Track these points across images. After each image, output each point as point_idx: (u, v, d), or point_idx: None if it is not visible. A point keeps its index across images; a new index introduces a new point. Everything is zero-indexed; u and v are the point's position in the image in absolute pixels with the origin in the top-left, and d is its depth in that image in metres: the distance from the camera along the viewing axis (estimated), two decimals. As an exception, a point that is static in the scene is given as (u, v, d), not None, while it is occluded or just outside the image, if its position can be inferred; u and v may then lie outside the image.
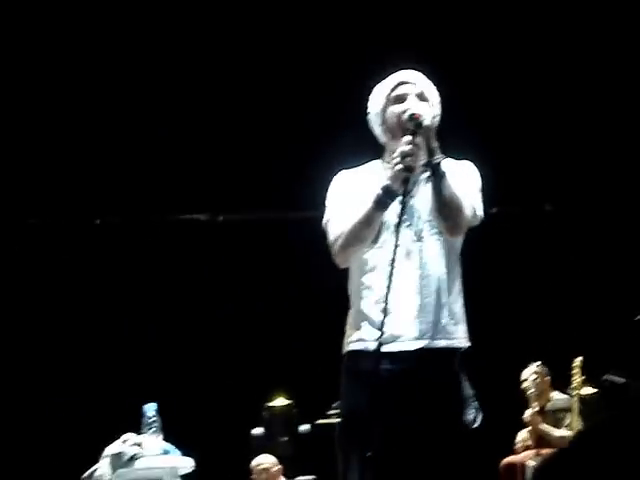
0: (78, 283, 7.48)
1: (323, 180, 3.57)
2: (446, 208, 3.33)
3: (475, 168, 3.51)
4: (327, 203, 3.51)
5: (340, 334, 3.57)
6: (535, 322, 7.45)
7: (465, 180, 3.43)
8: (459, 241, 3.49)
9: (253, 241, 7.62)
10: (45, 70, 6.91)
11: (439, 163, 3.33)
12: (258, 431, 7.28)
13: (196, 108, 7.17)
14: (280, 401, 7.44)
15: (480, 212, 3.46)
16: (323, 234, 3.47)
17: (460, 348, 3.38)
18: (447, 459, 3.32)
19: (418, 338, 3.33)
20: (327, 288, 4.45)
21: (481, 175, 3.51)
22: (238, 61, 7.04)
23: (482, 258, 6.74)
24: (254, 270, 7.61)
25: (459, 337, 3.40)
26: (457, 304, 3.43)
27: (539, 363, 6.62)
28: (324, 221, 3.48)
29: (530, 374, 6.60)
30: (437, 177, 3.32)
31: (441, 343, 3.35)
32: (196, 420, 6.75)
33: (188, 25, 6.96)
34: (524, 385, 6.59)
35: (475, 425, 3.37)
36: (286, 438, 7.29)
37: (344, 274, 3.51)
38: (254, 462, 6.65)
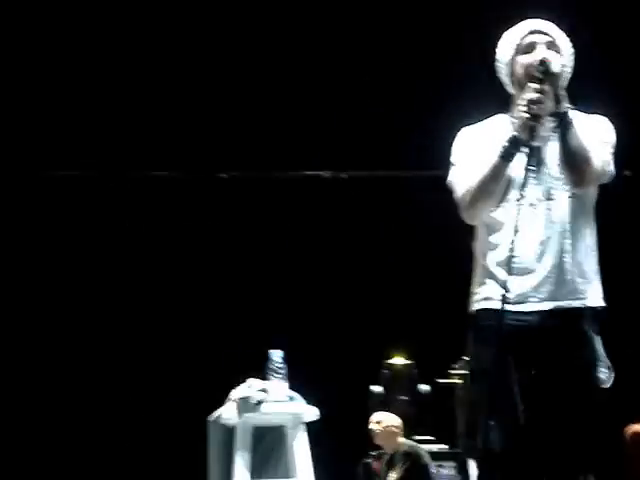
0: (207, 234, 7.63)
1: (449, 136, 3.58)
2: (572, 159, 3.27)
3: (609, 123, 3.43)
4: (452, 160, 3.48)
5: (460, 293, 3.60)
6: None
7: (596, 134, 3.36)
8: (591, 198, 3.42)
9: (378, 198, 7.64)
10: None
11: (566, 112, 3.27)
12: (378, 389, 7.34)
13: (325, 66, 7.20)
14: (400, 360, 7.48)
15: (611, 168, 3.38)
16: (448, 192, 3.48)
17: (591, 307, 3.35)
18: (577, 419, 3.29)
19: (547, 298, 3.31)
20: (452, 246, 4.46)
21: (617, 132, 3.45)
22: (366, 19, 7.03)
23: (621, 219, 6.61)
24: (379, 227, 7.64)
25: (590, 296, 3.35)
26: (589, 263, 3.38)
27: None
28: (449, 178, 3.46)
29: None
30: (564, 126, 3.27)
31: (571, 303, 3.32)
32: (319, 371, 6.84)
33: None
34: None
35: (608, 385, 3.35)
36: (406, 397, 7.33)
37: (470, 232, 3.52)
38: (374, 418, 6.71)
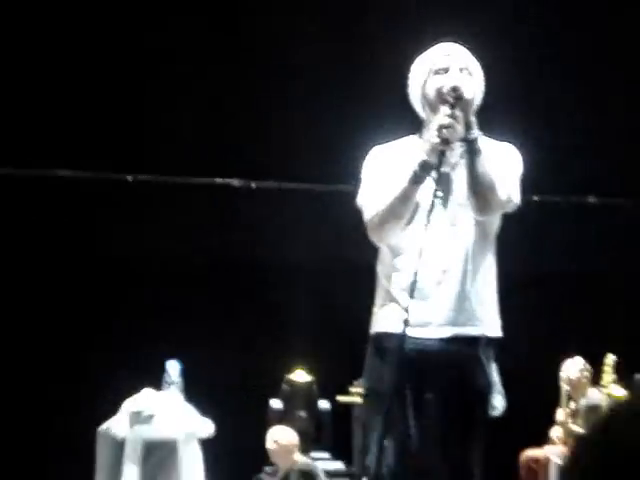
0: (109, 236, 7.53)
1: (357, 154, 3.60)
2: (478, 186, 3.30)
3: (516, 151, 3.48)
4: (362, 179, 3.51)
5: (364, 311, 3.63)
6: (573, 315, 7.42)
7: (503, 162, 3.40)
8: (494, 226, 3.48)
9: (285, 210, 7.65)
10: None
11: (475, 139, 3.31)
12: (277, 404, 7.34)
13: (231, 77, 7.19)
14: (300, 376, 7.49)
15: (516, 198, 3.43)
16: (356, 208, 3.50)
17: (488, 335, 3.41)
18: (467, 444, 3.36)
19: (446, 325, 3.37)
20: (357, 264, 4.50)
21: (524, 160, 3.48)
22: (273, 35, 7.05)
23: (520, 246, 6.72)
24: (289, 237, 7.64)
25: (488, 325, 3.42)
26: (488, 292, 3.44)
27: (579, 359, 6.56)
28: (359, 198, 3.48)
29: (569, 370, 6.54)
30: (472, 153, 3.30)
31: (469, 330, 3.38)
32: (215, 385, 6.80)
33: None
34: (562, 381, 6.53)
35: (499, 412, 3.42)
36: (305, 413, 7.34)
37: (375, 251, 3.54)
38: (271, 435, 6.70)
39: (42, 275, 7.34)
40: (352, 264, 5.37)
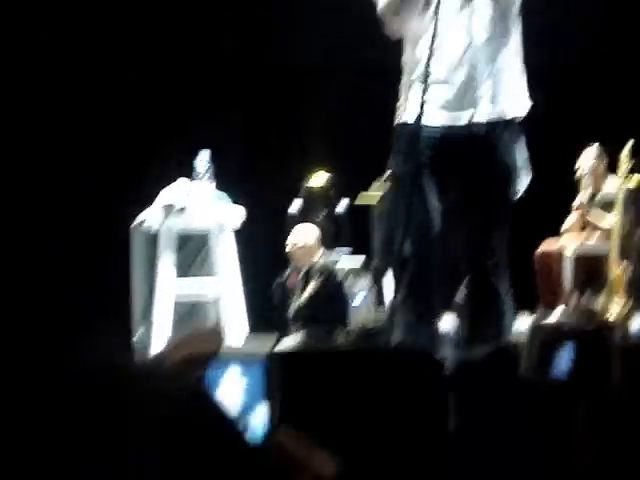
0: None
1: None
2: None
3: None
4: None
5: (385, 108, 3.77)
6: (595, 102, 7.43)
7: None
8: (515, 3, 3.46)
9: (304, 7, 7.57)
10: None
11: None
12: (296, 206, 7.52)
13: None
14: (319, 178, 7.62)
15: None
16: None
17: (509, 117, 3.48)
18: (490, 227, 3.49)
19: (464, 108, 3.45)
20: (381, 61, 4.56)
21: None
22: None
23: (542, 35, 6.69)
24: (308, 36, 7.58)
25: (511, 105, 3.48)
26: (512, 72, 3.47)
27: (597, 146, 6.55)
28: None
29: (587, 158, 6.53)
30: None
31: (489, 115, 3.46)
32: (246, 176, 6.89)
33: None
34: (579, 168, 6.56)
35: (523, 189, 3.54)
36: (323, 215, 7.52)
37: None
38: (291, 238, 6.90)
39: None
40: (379, 63, 5.41)
